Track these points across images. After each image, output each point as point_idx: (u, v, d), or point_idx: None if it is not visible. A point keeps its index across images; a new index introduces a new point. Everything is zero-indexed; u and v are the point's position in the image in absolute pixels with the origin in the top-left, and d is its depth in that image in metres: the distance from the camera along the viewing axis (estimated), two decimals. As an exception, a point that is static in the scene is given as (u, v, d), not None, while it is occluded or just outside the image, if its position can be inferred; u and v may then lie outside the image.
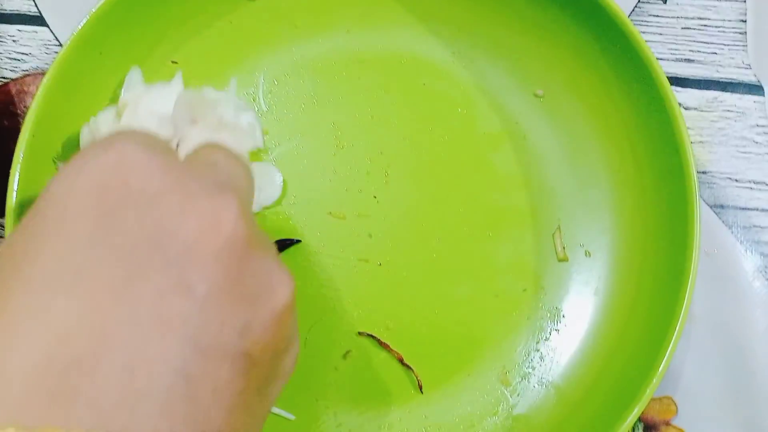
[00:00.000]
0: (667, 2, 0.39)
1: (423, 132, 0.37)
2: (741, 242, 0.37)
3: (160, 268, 0.20)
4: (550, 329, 0.35)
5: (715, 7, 0.39)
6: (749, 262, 0.37)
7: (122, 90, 0.34)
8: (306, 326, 0.35)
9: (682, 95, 0.39)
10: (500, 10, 0.36)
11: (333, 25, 0.37)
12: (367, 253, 0.36)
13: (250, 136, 0.35)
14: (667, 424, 0.36)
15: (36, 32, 0.40)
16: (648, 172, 0.35)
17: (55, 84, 0.33)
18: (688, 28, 0.39)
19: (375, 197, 0.36)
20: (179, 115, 0.33)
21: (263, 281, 0.22)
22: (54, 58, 0.33)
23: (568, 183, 0.36)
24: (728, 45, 0.39)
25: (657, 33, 0.39)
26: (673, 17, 0.39)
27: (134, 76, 0.35)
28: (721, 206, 0.38)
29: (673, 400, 0.36)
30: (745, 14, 0.39)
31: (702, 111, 0.39)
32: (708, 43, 0.39)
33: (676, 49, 0.39)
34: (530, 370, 0.35)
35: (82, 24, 0.33)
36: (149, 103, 0.33)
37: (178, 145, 0.33)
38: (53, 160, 0.33)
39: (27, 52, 0.40)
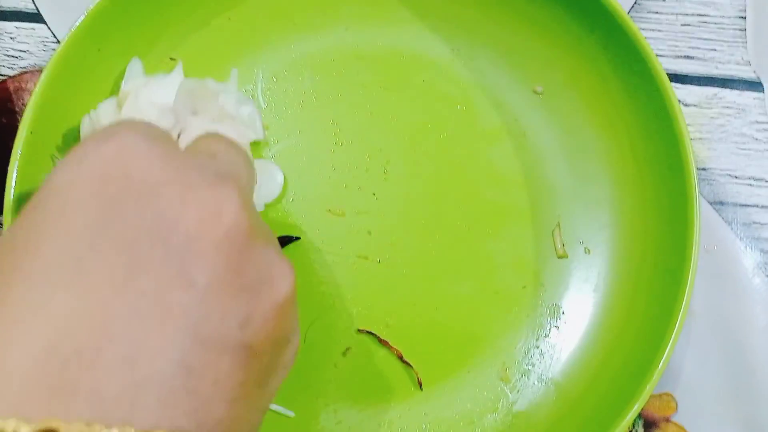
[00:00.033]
0: (667, -1, 0.39)
1: (422, 129, 0.37)
2: (741, 239, 0.37)
3: (161, 260, 0.20)
4: (550, 326, 0.35)
5: (714, 3, 0.39)
6: (749, 258, 0.37)
7: (123, 81, 0.34)
8: (306, 323, 0.35)
9: (681, 92, 0.39)
10: (500, 7, 0.36)
11: (332, 21, 0.37)
12: (366, 250, 0.36)
13: (251, 128, 0.35)
14: (667, 420, 0.36)
15: (34, 29, 0.40)
16: (647, 169, 0.35)
17: (53, 81, 0.33)
18: (687, 25, 0.39)
19: (374, 194, 0.36)
20: (180, 106, 0.33)
21: (264, 272, 0.22)
22: (52, 55, 0.33)
23: (568, 180, 0.36)
24: (728, 41, 0.39)
25: (656, 30, 0.39)
26: (672, 14, 0.39)
27: (135, 67, 0.35)
28: (721, 203, 0.38)
29: (672, 397, 0.36)
30: (745, 11, 0.39)
31: (701, 108, 0.39)
32: (707, 39, 0.39)
33: (675, 46, 0.39)
34: (530, 367, 0.35)
35: (79, 21, 0.33)
36: (150, 94, 0.33)
37: (179, 136, 0.33)
38: (51, 157, 0.33)
39: (25, 50, 0.39)
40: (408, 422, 0.34)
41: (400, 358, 0.35)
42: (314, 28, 0.37)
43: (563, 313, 0.35)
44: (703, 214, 0.35)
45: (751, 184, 0.38)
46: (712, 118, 0.38)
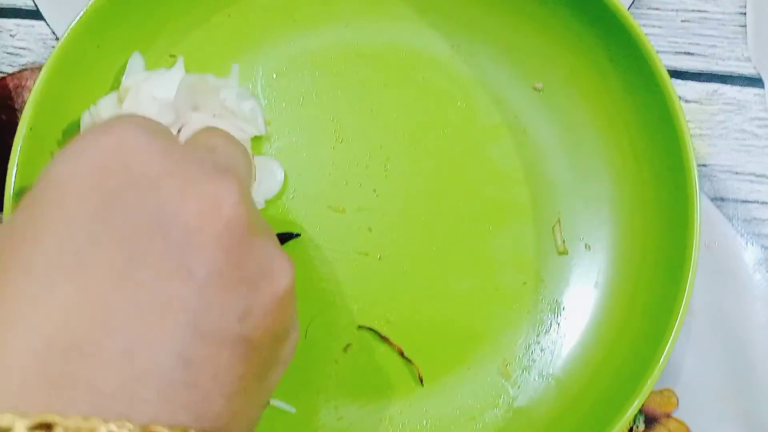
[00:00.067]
0: (667, -5, 0.39)
1: (422, 126, 0.37)
2: (741, 235, 0.37)
3: (160, 253, 0.20)
4: (551, 322, 0.35)
5: (714, -1, 0.39)
6: (750, 254, 0.37)
7: (124, 76, 0.34)
8: (306, 320, 0.35)
9: (681, 88, 0.39)
10: (500, 4, 0.36)
11: (332, 18, 0.37)
12: (366, 246, 0.36)
13: (252, 123, 0.35)
14: (668, 416, 0.36)
15: (33, 26, 0.40)
16: (648, 165, 0.35)
17: (52, 77, 0.33)
18: (687, 21, 0.39)
19: (374, 191, 0.36)
20: (181, 101, 0.33)
21: (264, 266, 0.22)
22: (51, 51, 0.33)
23: (568, 176, 0.36)
24: (728, 38, 0.39)
25: (656, 26, 0.39)
26: (672, 10, 0.39)
27: (136, 62, 0.35)
28: (722, 199, 0.38)
29: (673, 393, 0.36)
30: (745, 7, 0.39)
31: (702, 104, 0.39)
32: (708, 35, 0.39)
33: (675, 42, 0.39)
34: (531, 363, 0.35)
35: (78, 17, 0.33)
36: (151, 89, 0.33)
37: (180, 131, 0.33)
38: (51, 154, 0.33)
39: (24, 47, 0.39)
40: (409, 418, 0.34)
41: (401, 354, 0.35)
42: (314, 25, 0.37)
43: (564, 309, 0.35)
44: (703, 210, 0.35)
45: (751, 180, 0.38)
46: (712, 114, 0.38)
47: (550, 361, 0.35)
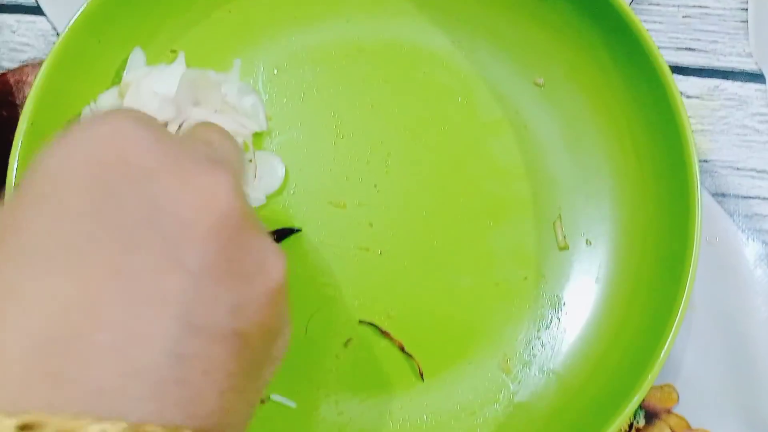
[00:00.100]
0: (668, -10, 0.39)
1: (423, 121, 0.37)
2: (742, 231, 0.37)
3: (154, 245, 0.19)
4: (551, 317, 0.35)
5: (716, -5, 0.39)
6: (751, 250, 0.37)
7: (125, 71, 0.34)
8: (307, 314, 0.35)
9: (683, 84, 0.39)
10: (501, 0, 0.36)
11: (333, 14, 0.37)
12: (367, 241, 0.36)
13: (253, 118, 0.35)
14: (669, 412, 0.36)
15: (34, 22, 0.40)
16: (649, 161, 0.35)
17: (53, 72, 0.33)
18: (688, 17, 0.39)
19: (375, 186, 0.36)
20: (182, 96, 0.33)
21: (257, 259, 0.21)
22: (52, 48, 0.33)
23: (569, 172, 0.36)
24: (729, 33, 0.39)
25: (658, 21, 0.39)
26: (673, 5, 0.39)
27: (137, 57, 0.35)
28: (723, 195, 0.38)
29: (674, 388, 0.36)
30: (746, 2, 0.39)
31: (703, 99, 0.39)
32: (709, 31, 0.39)
33: (676, 38, 0.39)
34: (531, 358, 0.35)
35: (79, 13, 0.33)
36: (152, 84, 0.33)
37: (180, 126, 0.33)
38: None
39: (25, 42, 0.39)
40: (409, 413, 0.34)
41: (402, 349, 0.35)
42: (315, 21, 0.37)
43: (564, 304, 0.35)
44: (704, 205, 0.35)
45: (752, 176, 0.38)
46: (713, 110, 0.38)
47: (551, 356, 0.35)
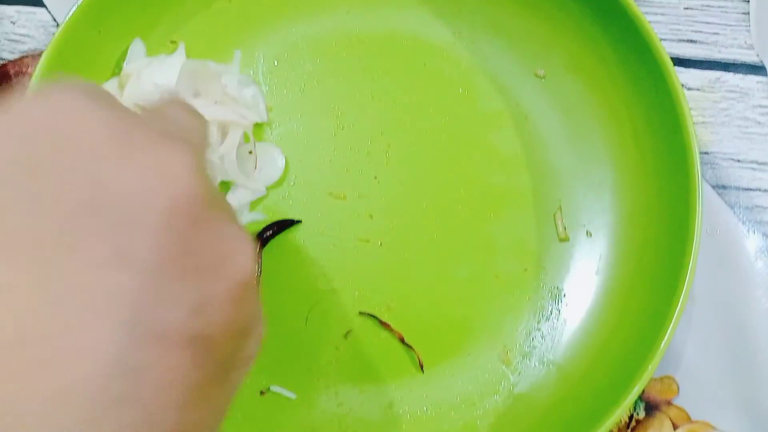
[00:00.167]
0: (670, -18, 0.39)
1: (423, 112, 0.37)
2: (743, 222, 0.37)
3: (95, 236, 0.16)
4: (551, 309, 0.35)
5: (717, -13, 0.39)
6: (751, 242, 0.37)
7: (125, 62, 0.34)
8: (307, 306, 0.35)
9: (684, 76, 0.38)
10: (501, -9, 0.36)
11: (333, 5, 0.37)
12: (367, 233, 0.36)
13: (253, 109, 0.35)
14: (669, 403, 0.36)
15: (34, 13, 0.40)
16: (650, 153, 0.35)
17: (53, 63, 0.33)
18: (690, 9, 0.39)
19: (375, 178, 0.36)
20: (182, 87, 0.33)
21: (220, 249, 0.18)
22: (52, 38, 0.33)
23: (570, 163, 0.36)
24: (731, 25, 0.39)
25: (659, 13, 0.39)
26: (675, -3, 0.39)
27: (137, 48, 0.35)
28: (724, 187, 0.38)
29: (674, 380, 0.36)
30: (748, -6, 0.39)
31: (704, 92, 0.38)
32: (710, 23, 0.39)
33: (678, 30, 0.39)
34: (531, 349, 0.35)
35: (79, 3, 0.33)
36: (152, 75, 0.33)
37: None
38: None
39: (25, 33, 0.39)
40: (409, 404, 0.34)
41: (401, 340, 0.35)
42: (315, 12, 0.37)
43: (564, 295, 0.35)
44: (705, 197, 0.35)
45: (753, 168, 0.38)
46: (714, 102, 0.38)
47: (551, 347, 0.35)
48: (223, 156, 0.34)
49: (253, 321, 0.20)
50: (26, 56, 0.39)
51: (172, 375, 0.17)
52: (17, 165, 0.17)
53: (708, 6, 0.39)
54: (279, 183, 0.36)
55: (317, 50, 0.37)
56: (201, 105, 0.33)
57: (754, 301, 0.36)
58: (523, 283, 0.35)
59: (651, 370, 0.31)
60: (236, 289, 0.18)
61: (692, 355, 0.36)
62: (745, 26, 0.39)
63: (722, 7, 0.39)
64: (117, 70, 0.35)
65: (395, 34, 0.37)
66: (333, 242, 0.36)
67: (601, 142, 0.36)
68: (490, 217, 0.36)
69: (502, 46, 0.37)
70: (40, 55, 0.38)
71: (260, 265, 0.35)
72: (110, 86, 0.34)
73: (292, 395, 0.34)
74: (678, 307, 0.31)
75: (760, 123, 0.38)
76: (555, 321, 0.35)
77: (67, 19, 0.33)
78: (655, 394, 0.36)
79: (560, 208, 0.36)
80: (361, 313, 0.35)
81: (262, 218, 0.36)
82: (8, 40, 0.39)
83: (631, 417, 0.35)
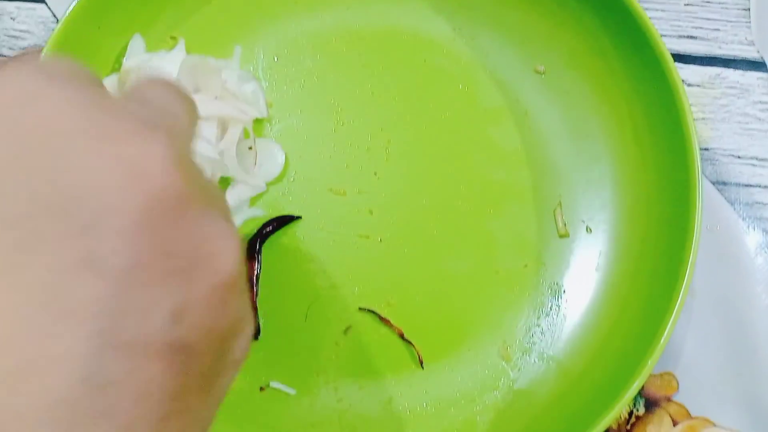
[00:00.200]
0: (670, -22, 0.39)
1: (423, 108, 0.37)
2: (743, 219, 0.37)
3: (62, 239, 0.15)
4: (551, 304, 0.35)
5: (718, -17, 0.39)
6: (751, 238, 0.37)
7: (125, 58, 0.34)
8: (307, 302, 0.35)
9: (684, 72, 0.38)
10: (501, -14, 0.36)
11: (333, 1, 0.37)
12: (367, 229, 0.36)
13: (254, 105, 0.35)
14: (669, 399, 0.36)
15: (34, 9, 0.39)
16: (650, 149, 0.35)
17: (54, 58, 0.33)
18: (690, 5, 0.39)
19: (375, 174, 0.36)
20: (182, 82, 0.33)
21: (201, 249, 0.17)
22: (51, 34, 0.33)
23: (570, 159, 0.36)
24: (731, 21, 0.39)
25: (659, 9, 0.39)
26: (675, -7, 0.39)
27: (137, 44, 0.35)
28: (724, 183, 0.38)
29: (674, 376, 0.36)
30: (749, -10, 0.39)
31: (704, 88, 0.38)
32: (711, 19, 0.39)
33: (678, 26, 0.39)
34: (531, 345, 0.35)
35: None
36: (152, 70, 0.33)
37: None
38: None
39: (25, 30, 0.39)
40: (409, 400, 0.34)
41: (401, 336, 0.35)
42: (315, 8, 0.37)
43: (564, 291, 0.35)
44: (705, 193, 0.35)
45: (753, 164, 0.38)
46: (715, 98, 0.38)
47: (551, 343, 0.35)
48: (222, 152, 0.34)
49: (240, 323, 0.19)
50: (26, 52, 0.39)
51: (149, 386, 0.16)
52: None
53: (708, 2, 0.39)
54: (279, 179, 0.36)
55: (317, 46, 0.37)
56: (201, 100, 0.33)
57: (754, 297, 0.36)
58: (523, 279, 0.35)
59: (650, 366, 0.31)
60: (218, 292, 0.17)
61: (692, 352, 0.36)
62: (746, 22, 0.39)
63: (723, 3, 0.39)
64: (117, 66, 0.35)
65: (395, 30, 0.37)
66: (333, 238, 0.36)
67: (602, 138, 0.36)
68: (490, 212, 0.36)
69: (502, 42, 0.37)
70: (40, 51, 0.38)
71: (260, 261, 0.35)
72: (110, 82, 0.34)
73: (291, 391, 0.34)
74: (678, 303, 0.31)
75: (760, 119, 0.38)
76: (555, 317, 0.35)
77: (66, 14, 0.33)
78: (655, 391, 0.36)
79: (560, 203, 0.36)
80: (360, 309, 0.35)
81: (261, 214, 0.36)
82: (8, 36, 0.39)
83: (630, 413, 0.35)
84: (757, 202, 0.37)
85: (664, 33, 0.39)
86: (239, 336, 0.19)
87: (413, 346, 0.35)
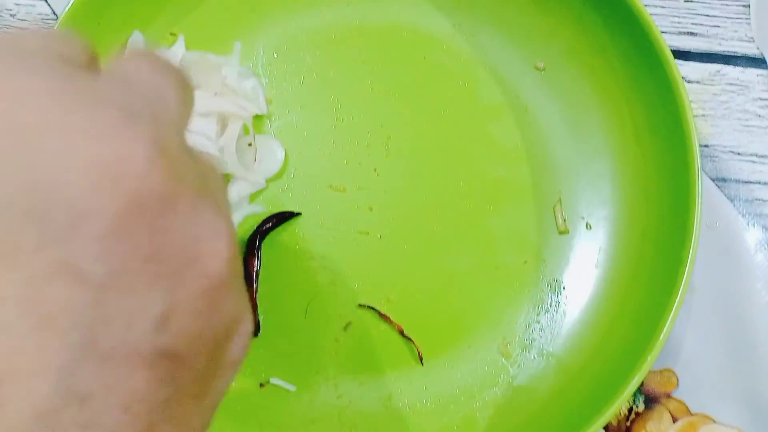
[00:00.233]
0: (670, -26, 0.39)
1: (423, 105, 0.37)
2: (743, 215, 0.37)
3: (37, 248, 0.14)
4: (551, 301, 0.35)
5: (718, -21, 0.39)
6: (751, 235, 0.37)
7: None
8: (306, 298, 0.35)
9: (684, 68, 0.38)
10: (501, -17, 0.36)
11: (333, -3, 0.37)
12: (367, 225, 0.36)
13: (253, 101, 0.35)
14: (668, 396, 0.36)
15: (33, 6, 0.39)
16: (650, 145, 0.35)
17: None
18: (690, 1, 0.39)
19: (375, 170, 0.36)
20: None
21: (187, 250, 0.16)
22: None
23: (569, 155, 0.36)
24: (731, 18, 0.39)
25: (659, 6, 0.39)
26: (675, -10, 0.39)
27: (136, 40, 0.35)
28: (723, 179, 0.38)
29: (674, 373, 0.36)
30: (749, -13, 0.39)
31: (704, 84, 0.38)
32: (711, 16, 0.39)
33: (678, 22, 0.39)
34: (530, 342, 0.35)
35: (78, -5, 0.33)
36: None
37: None
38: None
39: (25, 27, 0.39)
40: (408, 396, 0.34)
41: (401, 332, 0.35)
42: (315, 4, 0.37)
43: (564, 288, 0.35)
44: (705, 190, 0.35)
45: (753, 161, 0.38)
46: (714, 94, 0.38)
47: (550, 339, 0.35)
48: (222, 148, 0.33)
49: (235, 324, 0.18)
50: None
51: (135, 396, 0.15)
52: None
53: (708, -2, 0.39)
54: (278, 175, 0.36)
55: (317, 42, 0.37)
56: (201, 97, 0.33)
57: (754, 293, 0.36)
58: (523, 276, 0.35)
59: (650, 362, 0.31)
60: (207, 295, 0.16)
61: (692, 348, 0.36)
62: (746, 19, 0.39)
63: (723, -1, 0.39)
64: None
65: (395, 26, 0.37)
66: (332, 235, 0.36)
67: (601, 134, 0.36)
68: (490, 209, 0.36)
69: (502, 39, 0.37)
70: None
71: (259, 258, 0.35)
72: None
73: (291, 387, 0.34)
74: (677, 300, 0.31)
75: (760, 116, 0.38)
76: (554, 313, 0.35)
77: (65, 11, 0.33)
78: (655, 387, 0.36)
79: (560, 200, 0.36)
80: (360, 306, 0.35)
81: (261, 211, 0.36)
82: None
83: (630, 410, 0.36)
84: (756, 199, 0.37)
85: (664, 29, 0.39)
86: (235, 337, 0.18)
87: (413, 342, 0.35)
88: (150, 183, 0.15)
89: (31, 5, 0.39)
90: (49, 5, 0.39)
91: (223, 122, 0.34)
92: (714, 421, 0.35)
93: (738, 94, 0.38)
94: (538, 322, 0.35)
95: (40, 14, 0.39)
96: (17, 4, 0.39)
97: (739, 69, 0.38)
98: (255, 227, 0.35)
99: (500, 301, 0.35)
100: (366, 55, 0.37)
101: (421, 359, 0.35)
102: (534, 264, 0.35)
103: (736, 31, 0.39)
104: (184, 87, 0.19)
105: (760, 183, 0.37)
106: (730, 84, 0.38)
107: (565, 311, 0.35)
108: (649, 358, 0.30)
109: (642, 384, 0.35)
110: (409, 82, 0.37)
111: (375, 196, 0.36)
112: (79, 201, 0.14)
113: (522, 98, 0.36)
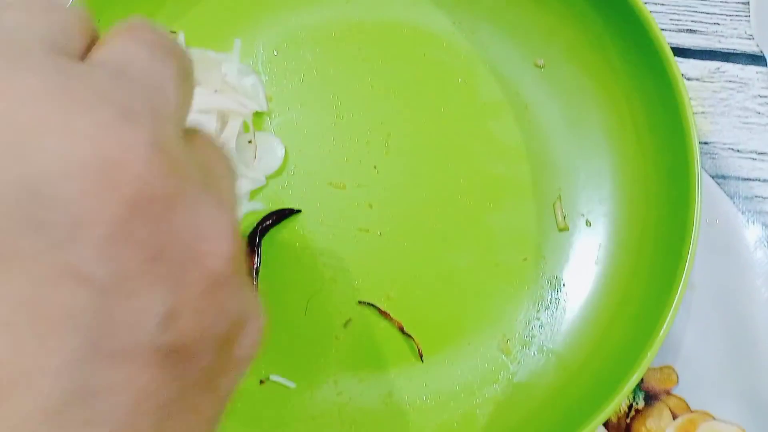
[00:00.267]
0: (670, -28, 0.39)
1: (423, 102, 0.37)
2: (743, 213, 0.37)
3: (39, 253, 0.14)
4: (551, 298, 0.35)
5: (717, -23, 0.39)
6: (751, 232, 0.37)
7: None
8: (306, 295, 0.35)
9: (684, 66, 0.38)
10: (501, -19, 0.36)
11: (333, -6, 0.37)
12: (367, 222, 0.36)
13: (253, 99, 0.35)
14: (668, 393, 0.36)
15: (33, 3, 0.39)
16: (649, 143, 0.35)
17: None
18: (690, -1, 0.39)
19: (375, 167, 0.36)
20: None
21: (190, 247, 0.16)
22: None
23: (569, 153, 0.36)
24: (731, 15, 0.39)
25: (659, 3, 0.39)
26: (675, -13, 0.39)
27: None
28: (723, 177, 0.38)
29: (674, 370, 0.36)
30: (748, -16, 0.39)
31: (704, 81, 0.38)
32: (710, 13, 0.39)
33: (678, 20, 0.39)
34: (530, 339, 0.35)
35: (79, -8, 0.33)
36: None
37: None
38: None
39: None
40: (408, 393, 0.34)
41: (401, 329, 0.35)
42: (315, 1, 0.37)
43: (564, 285, 0.35)
44: (705, 187, 0.35)
45: (753, 158, 0.38)
46: (714, 92, 0.38)
47: (550, 336, 0.35)
48: (222, 145, 0.33)
49: (244, 317, 0.18)
50: None
51: (142, 395, 0.15)
52: None
53: (708, -4, 0.39)
54: (278, 172, 0.36)
55: (317, 40, 0.37)
56: (201, 94, 0.33)
57: (754, 291, 0.36)
58: (523, 273, 0.35)
59: (650, 359, 0.31)
60: (211, 291, 0.16)
61: (692, 345, 0.36)
62: (745, 16, 0.39)
63: (722, -3, 0.39)
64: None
65: (395, 23, 0.37)
66: (332, 232, 0.36)
67: (601, 132, 0.36)
68: (490, 206, 0.36)
69: (502, 36, 0.37)
70: None
71: (259, 255, 0.35)
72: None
73: (291, 384, 0.34)
74: (677, 297, 0.31)
75: (759, 113, 0.38)
76: (554, 310, 0.35)
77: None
78: (655, 384, 0.36)
79: (560, 197, 0.36)
80: (360, 303, 0.35)
81: (261, 208, 0.36)
82: (7, 30, 0.39)
83: (630, 406, 0.36)
84: (756, 196, 0.37)
85: (663, 27, 0.39)
86: (244, 330, 0.18)
87: (413, 339, 0.35)
88: (149, 185, 0.15)
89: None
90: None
91: (223, 119, 0.34)
92: (714, 418, 0.35)
93: (737, 92, 0.38)
94: (538, 319, 0.35)
95: (39, 12, 0.39)
96: (17, 2, 0.39)
97: (738, 66, 0.38)
98: (255, 224, 0.35)
99: (500, 298, 0.35)
100: (366, 53, 0.37)
101: (421, 356, 0.35)
102: (534, 261, 0.35)
103: (735, 29, 0.39)
104: (184, 74, 0.18)
105: (759, 180, 0.37)
106: (730, 81, 0.38)
107: (565, 308, 0.35)
108: (648, 355, 0.31)
109: (642, 381, 0.35)
110: (409, 79, 0.37)
111: (375, 194, 0.36)
112: (79, 205, 0.14)
113: (522, 95, 0.37)
